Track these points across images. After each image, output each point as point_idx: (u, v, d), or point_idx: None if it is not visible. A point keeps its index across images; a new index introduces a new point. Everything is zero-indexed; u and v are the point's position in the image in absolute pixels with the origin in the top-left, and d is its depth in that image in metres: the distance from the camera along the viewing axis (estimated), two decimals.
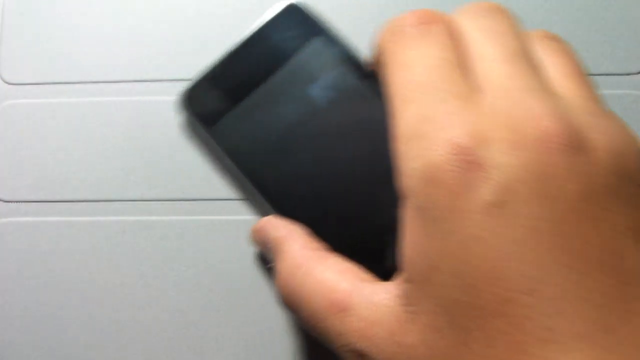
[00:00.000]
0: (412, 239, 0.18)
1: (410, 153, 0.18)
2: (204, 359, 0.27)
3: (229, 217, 0.28)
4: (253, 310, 0.27)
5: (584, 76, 0.20)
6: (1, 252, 0.28)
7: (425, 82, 0.19)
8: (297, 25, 0.26)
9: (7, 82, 0.29)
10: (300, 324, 0.22)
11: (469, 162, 0.17)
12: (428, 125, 0.18)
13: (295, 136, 0.25)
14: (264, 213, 0.25)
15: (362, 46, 0.25)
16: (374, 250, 0.22)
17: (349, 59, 0.25)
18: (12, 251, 0.28)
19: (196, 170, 0.28)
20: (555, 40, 0.21)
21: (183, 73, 0.29)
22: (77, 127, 0.29)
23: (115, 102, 0.29)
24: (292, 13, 0.26)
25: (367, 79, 0.25)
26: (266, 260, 0.26)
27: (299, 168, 0.24)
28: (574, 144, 0.17)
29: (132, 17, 0.30)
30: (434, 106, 0.18)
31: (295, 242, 0.22)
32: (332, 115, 0.24)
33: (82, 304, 0.27)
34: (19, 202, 0.28)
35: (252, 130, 0.25)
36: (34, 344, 0.27)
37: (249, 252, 0.27)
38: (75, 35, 0.30)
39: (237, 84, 0.25)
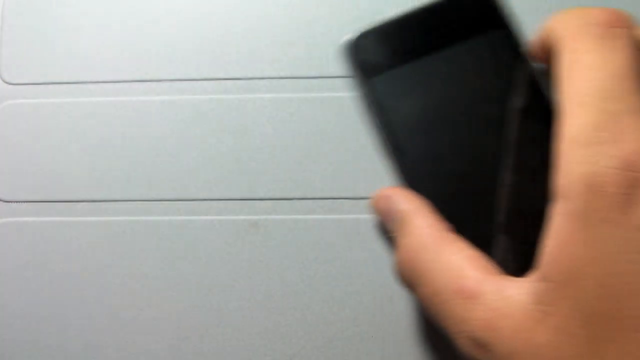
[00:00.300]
0: (560, 239, 0.18)
1: (577, 157, 0.18)
2: (203, 358, 0.27)
3: (228, 217, 0.28)
4: (253, 310, 0.27)
5: None
6: (1, 252, 0.28)
7: (607, 90, 0.19)
8: (481, 8, 0.25)
9: (7, 82, 0.29)
10: (417, 301, 0.22)
11: (636, 179, 0.17)
12: (601, 135, 0.18)
13: (447, 113, 0.25)
14: (395, 176, 0.25)
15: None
16: (492, 243, 0.23)
17: (522, 53, 0.25)
18: (12, 251, 0.28)
19: (196, 170, 0.28)
20: None
21: (183, 73, 0.29)
22: (77, 127, 0.29)
23: (115, 102, 0.29)
24: None
25: (533, 72, 0.24)
26: (386, 230, 0.26)
27: (442, 145, 0.25)
28: None
29: (133, 17, 0.30)
30: (611, 117, 0.18)
31: (423, 219, 0.22)
32: (489, 103, 0.25)
33: (82, 303, 0.27)
34: (19, 202, 0.28)
35: (407, 94, 0.25)
36: (34, 343, 0.27)
37: (249, 252, 0.27)
38: (75, 35, 0.30)
39: (406, 46, 0.25)
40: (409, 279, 0.22)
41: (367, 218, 0.27)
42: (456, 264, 0.20)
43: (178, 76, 0.29)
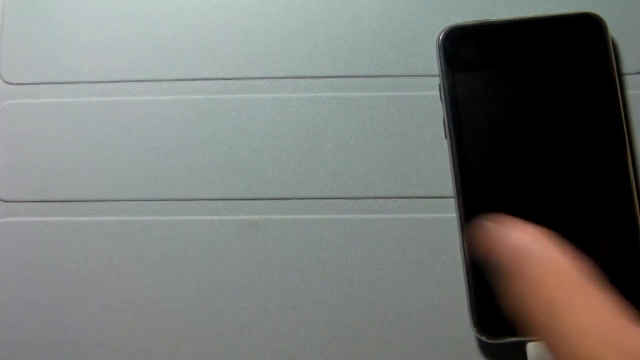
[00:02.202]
0: None
1: None
2: (204, 358, 0.27)
3: (228, 217, 0.28)
4: (253, 310, 0.27)
5: None
6: (1, 252, 0.28)
7: None
8: (583, 35, 0.26)
9: (7, 82, 0.29)
10: (524, 326, 0.21)
11: None
12: None
13: (516, 123, 0.25)
14: (451, 169, 0.26)
15: None
16: None
17: (613, 83, 0.25)
18: (12, 251, 0.28)
19: (196, 170, 0.28)
20: None
21: (183, 73, 0.29)
22: (77, 127, 0.29)
23: (115, 102, 0.29)
24: (587, 22, 0.26)
25: (619, 105, 0.25)
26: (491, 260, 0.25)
27: (501, 152, 0.25)
28: None
29: (132, 17, 0.30)
30: None
31: (559, 254, 0.20)
32: (563, 123, 0.25)
33: (82, 304, 0.27)
34: (19, 202, 0.28)
35: (483, 97, 0.26)
36: (34, 343, 0.27)
37: (249, 252, 0.27)
38: (75, 35, 0.30)
39: (496, 51, 0.26)
40: (542, 314, 0.20)
41: (367, 218, 0.27)
42: (604, 307, 0.19)
43: (178, 76, 0.29)
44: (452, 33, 0.26)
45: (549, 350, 0.19)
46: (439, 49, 0.26)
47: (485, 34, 0.26)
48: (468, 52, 0.26)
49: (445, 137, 0.26)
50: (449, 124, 0.26)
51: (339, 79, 0.29)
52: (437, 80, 0.27)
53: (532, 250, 0.21)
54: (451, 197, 0.26)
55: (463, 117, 0.25)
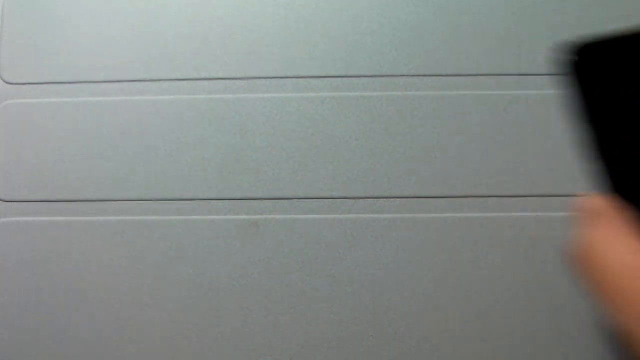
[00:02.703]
0: None
1: None
2: (203, 358, 0.27)
3: (228, 217, 0.28)
4: (253, 310, 0.27)
5: None
6: (1, 252, 0.28)
7: None
8: None
9: (7, 82, 0.29)
10: (587, 283, 0.23)
11: None
12: None
13: None
14: (597, 179, 0.25)
15: None
16: None
17: None
18: (12, 251, 0.28)
19: (196, 170, 0.28)
20: None
21: (183, 73, 0.29)
22: (77, 127, 0.29)
23: (115, 102, 0.29)
24: None
25: None
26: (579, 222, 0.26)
27: None
28: None
29: (132, 17, 0.30)
30: None
31: (619, 217, 0.23)
32: None
33: (82, 304, 0.27)
34: (19, 202, 0.28)
35: (625, 113, 0.24)
36: (34, 343, 0.27)
37: (249, 252, 0.27)
38: (75, 35, 0.30)
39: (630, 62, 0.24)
40: (591, 262, 0.23)
41: (367, 218, 0.27)
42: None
43: (178, 76, 0.29)
44: (588, 47, 0.24)
45: (592, 290, 0.22)
46: (570, 62, 0.24)
47: (614, 44, 0.25)
48: (606, 67, 0.24)
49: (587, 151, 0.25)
50: (588, 139, 0.24)
51: (339, 79, 0.29)
52: (436, 81, 0.27)
53: (595, 208, 0.24)
54: (452, 197, 0.26)
55: (603, 131, 0.24)
